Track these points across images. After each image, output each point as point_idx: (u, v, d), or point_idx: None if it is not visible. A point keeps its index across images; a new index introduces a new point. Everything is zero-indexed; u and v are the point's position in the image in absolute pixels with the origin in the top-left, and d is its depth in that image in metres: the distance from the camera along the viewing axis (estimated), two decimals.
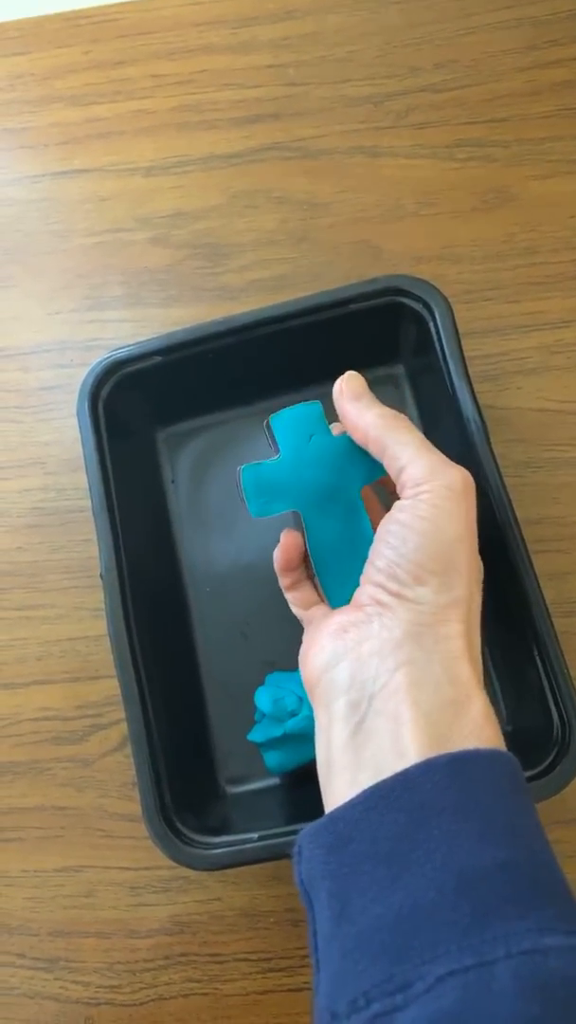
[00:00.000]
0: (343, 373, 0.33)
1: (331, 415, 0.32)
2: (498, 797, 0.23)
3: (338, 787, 0.25)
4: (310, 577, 0.33)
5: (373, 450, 0.30)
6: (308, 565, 0.33)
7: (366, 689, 0.26)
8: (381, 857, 0.23)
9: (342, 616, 0.28)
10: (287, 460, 0.32)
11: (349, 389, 0.31)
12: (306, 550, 0.32)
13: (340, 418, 0.31)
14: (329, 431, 0.32)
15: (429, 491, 0.27)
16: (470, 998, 0.19)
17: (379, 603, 0.27)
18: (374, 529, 0.30)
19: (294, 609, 0.34)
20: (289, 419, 0.32)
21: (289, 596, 0.34)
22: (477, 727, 0.25)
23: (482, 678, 0.27)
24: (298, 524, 0.32)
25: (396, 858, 0.22)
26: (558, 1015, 0.19)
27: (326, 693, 0.27)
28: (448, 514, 0.27)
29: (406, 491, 0.28)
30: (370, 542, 0.29)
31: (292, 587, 0.34)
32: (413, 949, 0.21)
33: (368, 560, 0.29)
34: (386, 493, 0.33)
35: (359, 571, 0.29)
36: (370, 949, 0.21)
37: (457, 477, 0.28)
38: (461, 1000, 0.19)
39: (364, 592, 0.28)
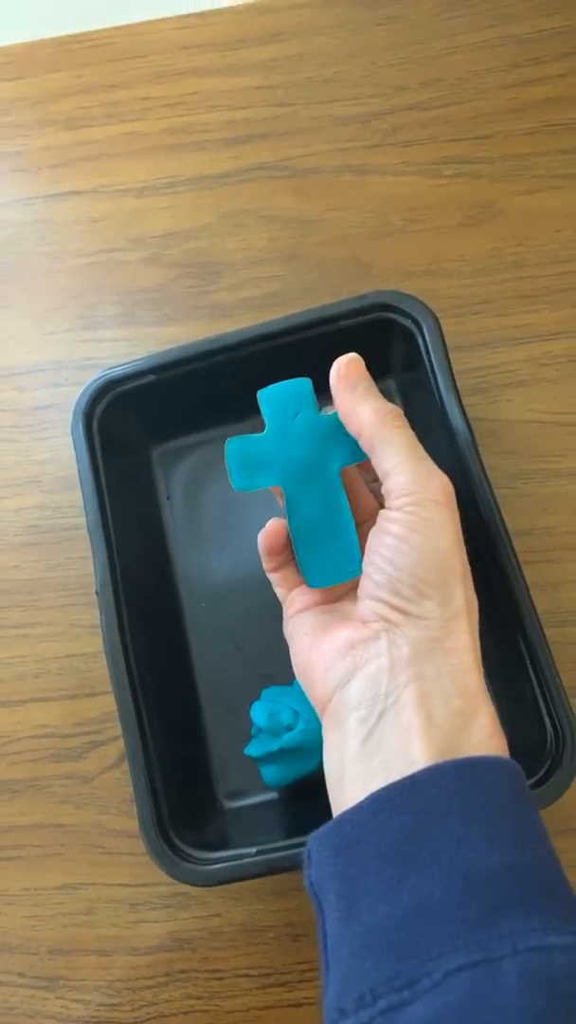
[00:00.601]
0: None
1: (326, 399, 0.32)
2: (504, 802, 0.24)
3: (348, 795, 0.26)
4: (293, 560, 0.34)
5: (363, 445, 0.30)
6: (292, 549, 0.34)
7: (377, 705, 0.26)
8: (388, 858, 0.23)
9: (347, 631, 0.28)
10: (272, 435, 0.32)
11: (346, 375, 0.30)
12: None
13: (335, 404, 0.31)
14: (316, 409, 0.32)
15: (416, 504, 0.27)
16: (477, 993, 0.19)
17: (384, 619, 0.27)
18: (352, 510, 0.31)
19: (277, 591, 0.34)
20: (277, 394, 0.32)
21: (273, 577, 0.34)
22: (485, 737, 0.25)
23: (484, 682, 0.27)
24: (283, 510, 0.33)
25: (403, 859, 0.23)
26: (564, 1009, 0.19)
27: (336, 711, 0.27)
28: (438, 526, 0.27)
29: (391, 499, 0.28)
30: (347, 521, 0.30)
31: (276, 569, 0.34)
32: (420, 946, 0.21)
33: (364, 575, 0.29)
34: (369, 478, 0.34)
35: (335, 551, 0.30)
36: (377, 947, 0.22)
37: (439, 488, 0.28)
38: (468, 995, 0.19)
39: (366, 607, 0.28)
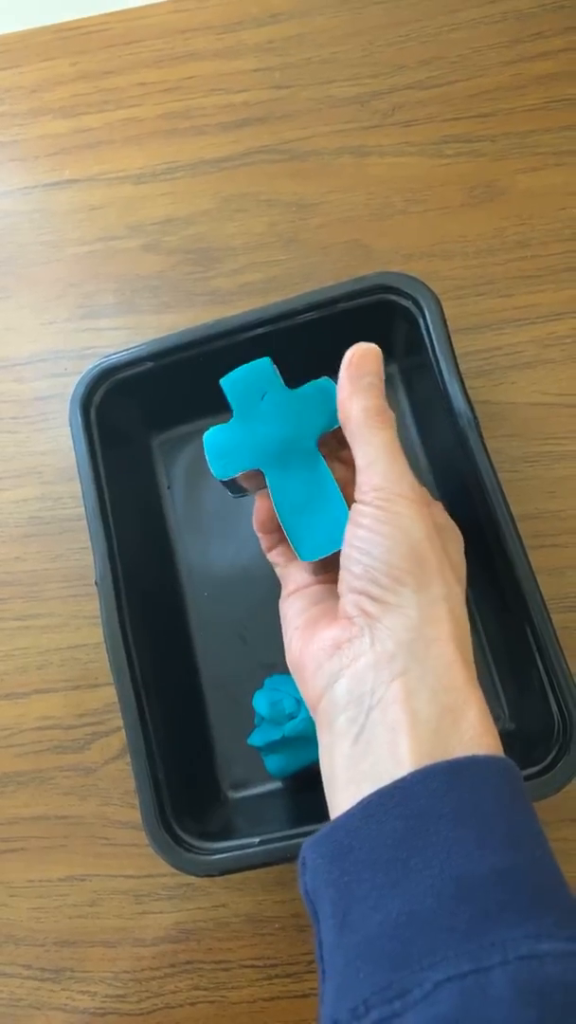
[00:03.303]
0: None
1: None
2: (497, 803, 0.23)
3: (341, 800, 0.25)
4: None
5: (346, 436, 0.30)
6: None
7: (364, 703, 0.26)
8: (380, 864, 0.22)
9: (333, 631, 0.28)
10: (240, 420, 0.32)
11: (356, 364, 0.30)
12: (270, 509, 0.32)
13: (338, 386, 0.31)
14: (282, 385, 0.32)
15: (386, 499, 0.28)
16: (467, 1004, 0.19)
17: (365, 613, 0.27)
18: (334, 476, 0.31)
19: (277, 571, 0.34)
20: (238, 379, 0.32)
21: (272, 557, 0.34)
22: (476, 734, 0.25)
23: (475, 677, 0.27)
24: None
25: (395, 865, 0.22)
26: (556, 1020, 0.18)
27: (326, 712, 0.27)
28: (409, 518, 0.27)
29: (362, 493, 0.28)
30: (332, 490, 0.30)
31: (273, 547, 0.34)
32: (411, 955, 0.20)
33: (343, 568, 0.29)
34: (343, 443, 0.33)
35: (324, 520, 0.30)
36: (371, 956, 0.21)
37: (408, 486, 0.28)
38: (458, 1006, 0.19)
39: (348, 602, 0.28)
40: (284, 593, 0.33)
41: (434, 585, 0.27)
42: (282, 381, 0.32)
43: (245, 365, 0.32)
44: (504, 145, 0.48)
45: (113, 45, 0.53)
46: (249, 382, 0.32)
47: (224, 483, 0.33)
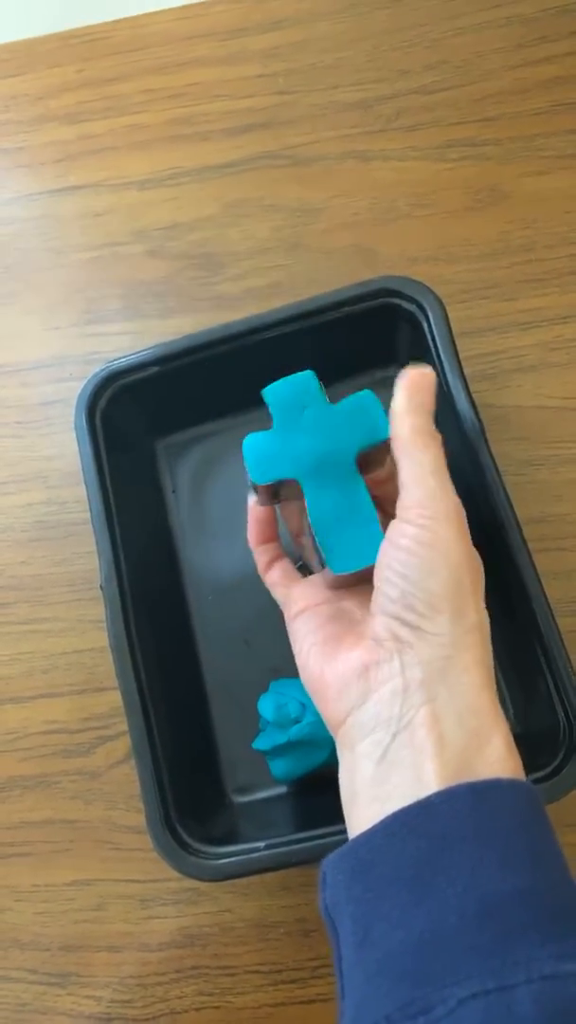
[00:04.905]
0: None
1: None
2: (519, 825, 0.23)
3: (362, 818, 0.25)
4: (285, 555, 0.34)
5: (394, 450, 0.30)
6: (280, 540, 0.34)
7: (391, 728, 0.26)
8: (403, 882, 0.23)
9: (360, 653, 0.28)
10: (281, 430, 0.32)
11: (413, 384, 0.30)
12: (299, 521, 0.33)
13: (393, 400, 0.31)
14: (324, 399, 0.32)
15: (429, 517, 0.27)
16: (491, 1022, 0.19)
17: (397, 638, 0.27)
18: (371, 493, 0.31)
19: (275, 592, 0.34)
20: (281, 390, 0.32)
21: (268, 579, 0.34)
22: (500, 758, 0.25)
23: (498, 699, 0.27)
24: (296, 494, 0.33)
25: (418, 883, 0.22)
26: None
27: (350, 734, 0.27)
28: (449, 540, 0.27)
29: (404, 511, 0.28)
30: (368, 505, 0.30)
31: (270, 566, 0.34)
32: (435, 973, 0.20)
33: (377, 589, 0.28)
34: (385, 459, 0.33)
35: (360, 534, 0.30)
36: (392, 973, 0.21)
37: (451, 505, 0.28)
38: (483, 1023, 0.19)
39: (380, 624, 0.28)
40: (292, 612, 0.32)
41: (469, 612, 0.27)
42: (325, 396, 0.32)
43: (288, 377, 0.32)
44: (508, 149, 0.48)
45: (118, 52, 0.54)
46: (291, 394, 0.32)
47: (256, 488, 0.33)
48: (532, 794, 0.24)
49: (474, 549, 0.28)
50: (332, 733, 0.29)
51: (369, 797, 0.25)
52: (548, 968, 0.20)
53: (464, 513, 0.28)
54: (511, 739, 0.26)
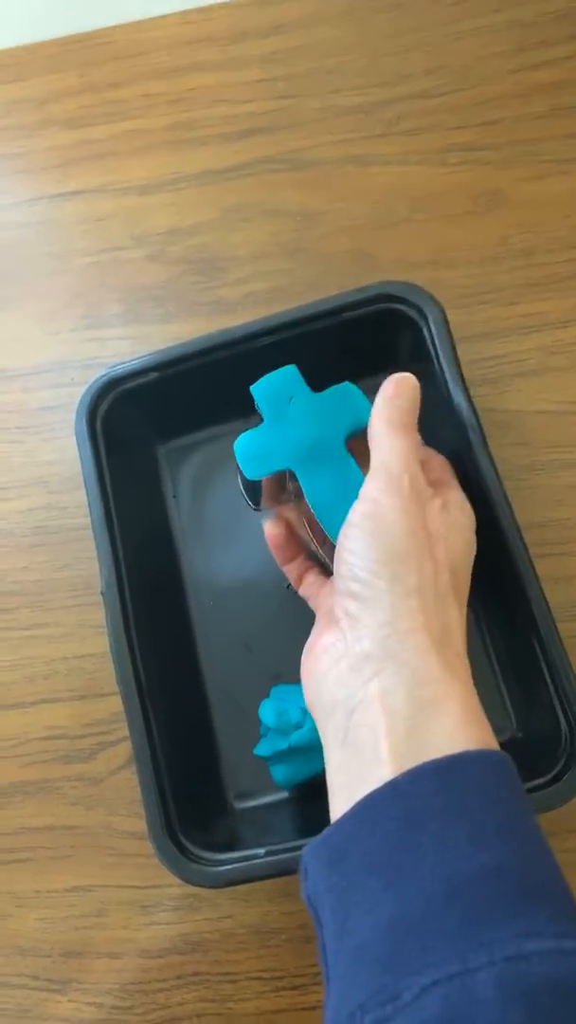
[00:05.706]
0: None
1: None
2: (488, 799, 0.23)
3: (337, 806, 0.25)
4: (312, 561, 0.35)
5: (369, 445, 0.31)
6: (305, 550, 0.35)
7: (347, 706, 0.26)
8: (374, 868, 0.22)
9: (326, 637, 0.28)
10: (270, 424, 0.33)
11: (392, 389, 0.31)
12: (304, 531, 0.34)
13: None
14: (307, 390, 0.33)
15: (378, 491, 0.28)
16: (454, 1007, 0.19)
17: (348, 614, 0.27)
18: (364, 475, 0.31)
19: (311, 604, 0.34)
20: (267, 385, 0.34)
21: (303, 592, 0.35)
22: (457, 726, 0.24)
23: (465, 669, 0.27)
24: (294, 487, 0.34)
25: (387, 868, 0.22)
26: (542, 1021, 0.18)
27: (319, 720, 0.27)
28: (391, 509, 0.27)
29: (361, 493, 0.29)
30: (363, 480, 0.31)
31: (301, 580, 0.35)
32: (402, 958, 0.20)
33: (334, 573, 0.29)
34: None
35: None
36: (366, 960, 0.21)
37: (406, 485, 0.28)
38: (445, 1009, 0.19)
39: (336, 603, 0.28)
40: (319, 615, 0.33)
41: (409, 577, 0.26)
42: (307, 385, 0.34)
43: (272, 372, 0.34)
44: (509, 153, 0.48)
45: (119, 57, 0.54)
46: (277, 388, 0.34)
47: (248, 494, 0.34)
48: (501, 763, 0.24)
49: (431, 522, 0.29)
50: (317, 726, 0.29)
51: (339, 783, 0.25)
52: (512, 948, 0.19)
53: (424, 489, 0.29)
54: (472, 702, 0.25)
